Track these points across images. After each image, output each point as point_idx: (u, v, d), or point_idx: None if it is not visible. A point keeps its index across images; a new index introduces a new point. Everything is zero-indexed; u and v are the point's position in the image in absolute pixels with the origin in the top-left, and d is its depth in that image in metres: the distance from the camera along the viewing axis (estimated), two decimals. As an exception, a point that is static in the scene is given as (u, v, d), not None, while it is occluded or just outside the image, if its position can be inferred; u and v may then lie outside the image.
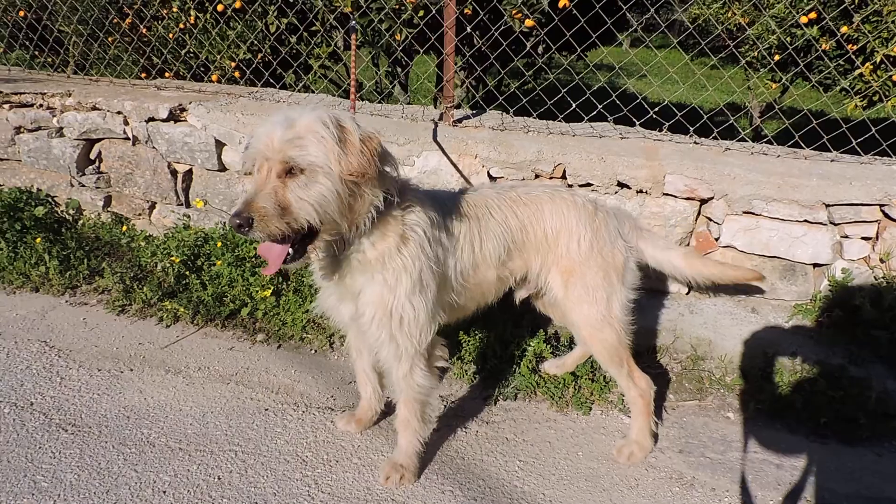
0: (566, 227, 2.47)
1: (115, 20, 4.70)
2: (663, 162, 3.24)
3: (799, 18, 4.52)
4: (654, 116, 3.53)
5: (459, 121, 3.71)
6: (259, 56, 4.56)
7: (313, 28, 4.48)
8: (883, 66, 4.26)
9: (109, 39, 4.72)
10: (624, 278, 2.51)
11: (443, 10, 3.67)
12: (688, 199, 3.27)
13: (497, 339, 3.18)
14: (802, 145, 3.43)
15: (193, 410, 2.85)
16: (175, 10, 4.59)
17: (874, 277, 3.16)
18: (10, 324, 3.49)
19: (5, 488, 2.37)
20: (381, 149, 2.04)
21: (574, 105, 3.57)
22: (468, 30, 3.61)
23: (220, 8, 4.45)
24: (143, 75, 4.90)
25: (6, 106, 4.30)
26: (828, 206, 3.15)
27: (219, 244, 3.73)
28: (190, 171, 4.08)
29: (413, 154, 3.49)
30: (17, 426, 2.70)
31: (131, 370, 3.13)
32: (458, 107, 3.83)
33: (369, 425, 2.76)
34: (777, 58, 4.98)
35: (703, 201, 3.28)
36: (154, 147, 4.03)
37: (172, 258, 3.71)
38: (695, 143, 3.52)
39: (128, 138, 4.10)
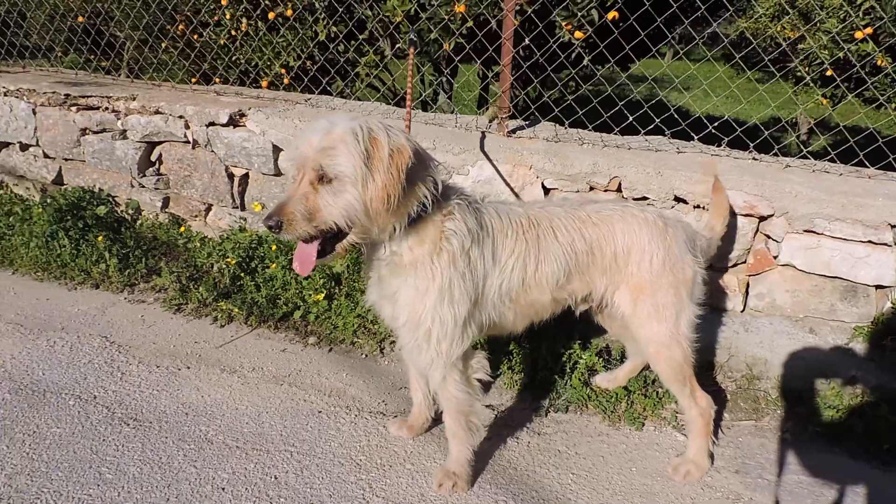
0: (638, 246, 2.41)
1: (167, 26, 4.85)
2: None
3: (855, 34, 4.42)
4: (713, 132, 3.49)
5: (514, 131, 3.72)
6: (308, 63, 4.65)
7: (360, 37, 4.55)
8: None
9: (161, 45, 4.87)
10: (692, 294, 2.47)
11: (488, 21, 3.72)
12: (746, 215, 3.22)
13: (548, 351, 3.17)
14: (867, 164, 3.35)
15: (249, 409, 2.90)
16: (228, 17, 4.72)
17: (941, 301, 3.07)
18: (73, 318, 3.61)
19: (72, 478, 2.45)
20: (414, 161, 2.04)
21: (631, 118, 3.55)
22: (527, 41, 3.62)
23: (270, 16, 4.57)
24: (193, 80, 5.04)
25: (73, 108, 4.47)
26: (893, 226, 3.07)
27: (273, 247, 3.80)
28: (246, 175, 4.17)
29: (468, 163, 3.52)
30: (82, 419, 2.79)
31: (188, 368, 3.20)
32: (512, 117, 3.85)
33: (421, 432, 2.78)
34: (829, 73, 4.87)
35: (762, 218, 3.22)
36: (213, 151, 4.14)
37: (228, 259, 3.80)
38: (753, 158, 3.47)
39: (188, 142, 4.21)
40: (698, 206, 3.26)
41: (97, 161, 4.50)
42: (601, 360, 3.14)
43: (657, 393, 3.01)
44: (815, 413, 2.93)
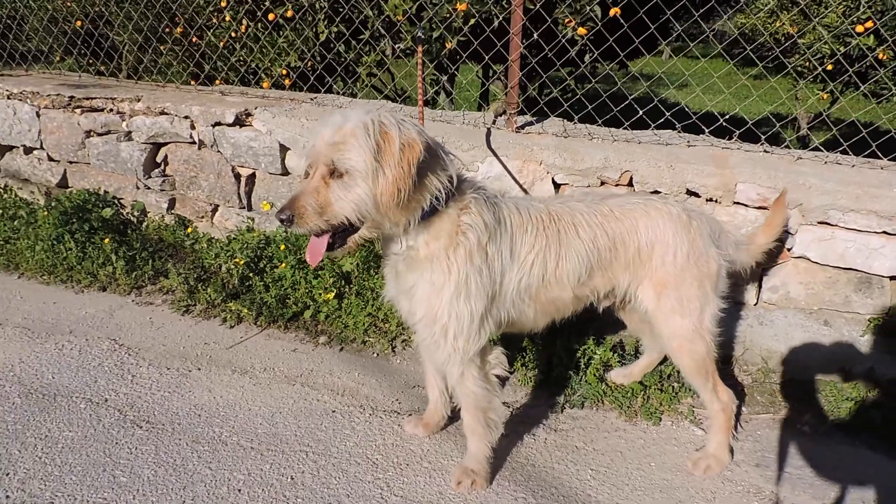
0: (661, 240, 2.38)
1: (168, 29, 4.83)
2: (734, 170, 3.18)
3: (855, 28, 4.39)
4: (724, 124, 3.47)
5: (522, 127, 3.70)
6: (311, 63, 4.63)
7: (361, 37, 4.52)
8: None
9: (162, 47, 4.85)
10: (717, 287, 2.44)
11: (491, 20, 3.68)
12: (759, 208, 3.19)
13: (563, 347, 3.14)
14: (879, 155, 3.33)
15: (262, 410, 2.88)
16: (228, 18, 4.70)
17: (957, 291, 3.05)
18: (81, 322, 3.58)
19: (86, 481, 2.42)
20: (426, 155, 2.02)
21: (641, 112, 3.53)
22: (535, 36, 3.59)
23: (271, 17, 4.55)
24: (193, 82, 5.00)
25: (78, 110, 4.44)
26: (908, 216, 3.04)
27: (282, 247, 3.77)
28: (253, 175, 4.15)
29: (477, 160, 3.50)
30: (93, 422, 2.76)
31: (199, 369, 3.18)
32: (521, 113, 3.82)
33: (437, 430, 2.75)
34: (829, 67, 4.84)
35: (775, 210, 3.20)
36: (219, 151, 4.11)
37: (236, 260, 3.77)
38: (765, 151, 3.45)
39: (193, 142, 4.19)
40: (711, 200, 3.24)
41: (102, 163, 4.48)
42: (616, 355, 3.11)
43: (673, 387, 2.99)
44: (832, 405, 2.91)
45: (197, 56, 4.71)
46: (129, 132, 4.34)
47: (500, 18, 3.73)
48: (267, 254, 3.86)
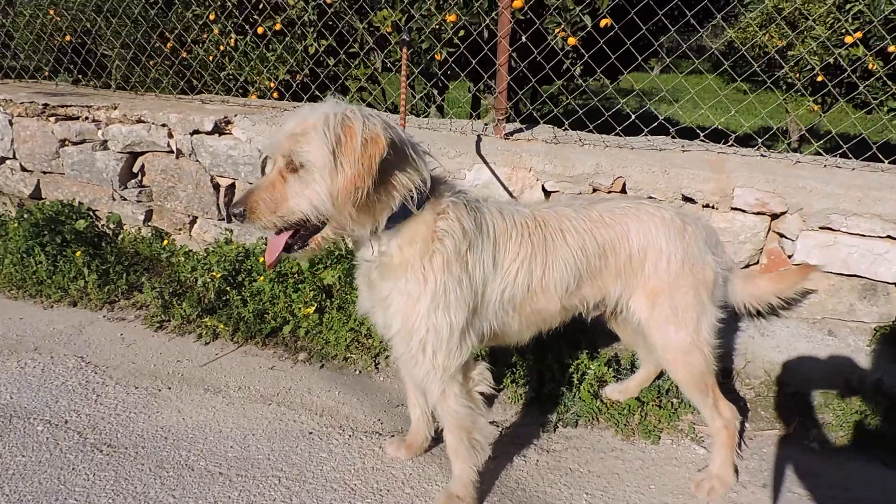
0: (654, 246, 2.22)
1: (157, 44, 4.70)
2: (731, 175, 3.04)
3: (845, 38, 4.31)
4: (720, 128, 3.34)
5: (511, 134, 3.56)
6: (298, 77, 4.51)
7: (351, 50, 4.41)
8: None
9: (150, 63, 4.71)
10: (713, 296, 2.27)
11: (483, 31, 3.55)
12: (758, 213, 3.06)
13: (554, 361, 2.98)
14: (882, 158, 3.21)
15: (234, 432, 2.69)
16: (216, 32, 4.58)
17: (967, 299, 2.90)
18: (47, 338, 3.40)
19: (38, 511, 2.23)
20: (391, 152, 1.84)
21: (633, 116, 3.40)
22: (523, 39, 3.47)
23: (259, 31, 4.43)
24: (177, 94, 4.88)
25: (52, 119, 4.28)
26: (914, 220, 2.91)
27: (261, 259, 3.61)
28: (233, 185, 3.99)
29: (464, 167, 3.35)
30: (50, 445, 2.57)
31: (169, 388, 2.99)
32: (509, 120, 3.69)
33: (420, 452, 2.57)
34: (820, 79, 4.75)
35: (775, 216, 3.06)
36: (198, 160, 3.96)
37: (213, 273, 3.60)
38: (762, 155, 3.32)
39: (171, 151, 4.03)
40: (707, 206, 3.10)
41: (77, 173, 4.31)
42: (611, 370, 2.95)
43: (672, 403, 2.82)
44: (840, 420, 2.75)
45: (188, 75, 4.58)
46: (105, 141, 4.18)
47: (488, 20, 3.61)
48: (246, 267, 3.69)
